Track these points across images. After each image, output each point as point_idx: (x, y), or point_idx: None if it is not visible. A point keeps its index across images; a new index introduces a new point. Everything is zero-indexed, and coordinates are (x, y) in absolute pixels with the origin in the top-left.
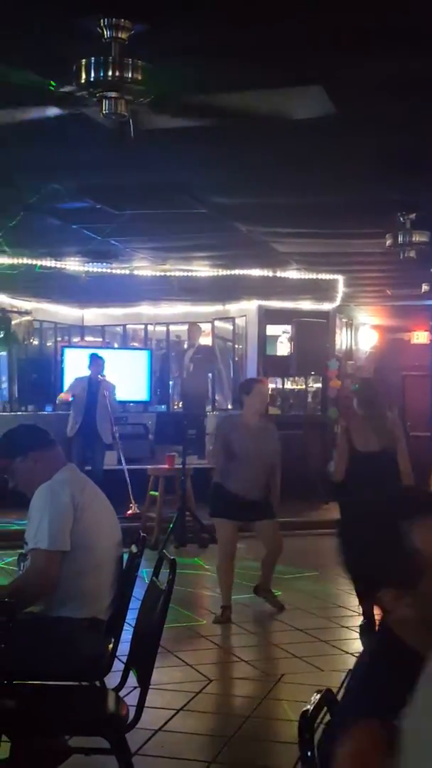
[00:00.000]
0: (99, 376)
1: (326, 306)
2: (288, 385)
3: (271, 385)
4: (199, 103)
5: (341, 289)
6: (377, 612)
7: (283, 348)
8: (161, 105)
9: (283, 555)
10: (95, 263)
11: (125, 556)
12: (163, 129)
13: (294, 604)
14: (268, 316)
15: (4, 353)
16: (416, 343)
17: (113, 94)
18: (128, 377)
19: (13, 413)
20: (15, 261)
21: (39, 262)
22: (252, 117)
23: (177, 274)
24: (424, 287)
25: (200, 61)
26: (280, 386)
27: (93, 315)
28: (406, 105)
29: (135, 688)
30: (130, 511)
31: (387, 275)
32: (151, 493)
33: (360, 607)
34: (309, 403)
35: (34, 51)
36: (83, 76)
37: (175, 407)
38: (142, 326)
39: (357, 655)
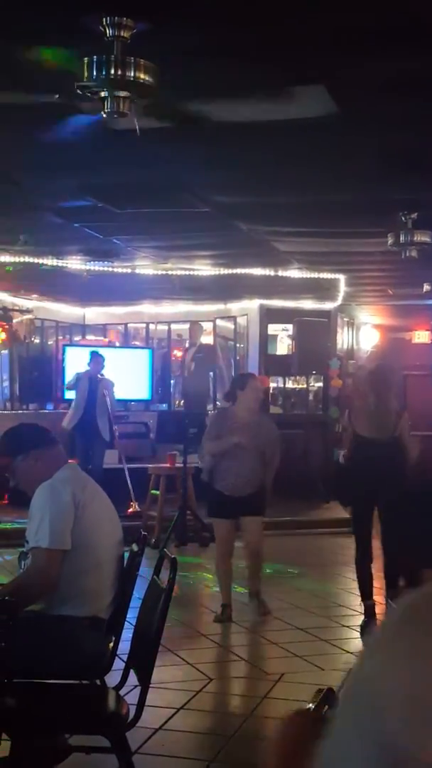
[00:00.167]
0: (98, 375)
1: (328, 305)
2: (289, 385)
3: (272, 384)
4: (202, 102)
5: (343, 288)
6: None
7: (285, 347)
8: (164, 104)
9: (284, 554)
10: (97, 262)
11: (126, 555)
12: (165, 128)
13: (294, 603)
14: (269, 315)
15: (5, 352)
16: (417, 343)
17: (115, 93)
18: (129, 376)
19: (14, 412)
20: (17, 259)
21: (41, 261)
22: (254, 116)
23: (178, 272)
24: (426, 287)
25: (202, 60)
26: (282, 385)
27: (94, 314)
28: (407, 104)
29: (135, 686)
30: (130, 510)
31: (388, 275)
32: (152, 491)
33: (361, 605)
34: (310, 402)
35: (37, 49)
36: (86, 74)
37: (177, 406)
38: (144, 325)
39: (357, 654)
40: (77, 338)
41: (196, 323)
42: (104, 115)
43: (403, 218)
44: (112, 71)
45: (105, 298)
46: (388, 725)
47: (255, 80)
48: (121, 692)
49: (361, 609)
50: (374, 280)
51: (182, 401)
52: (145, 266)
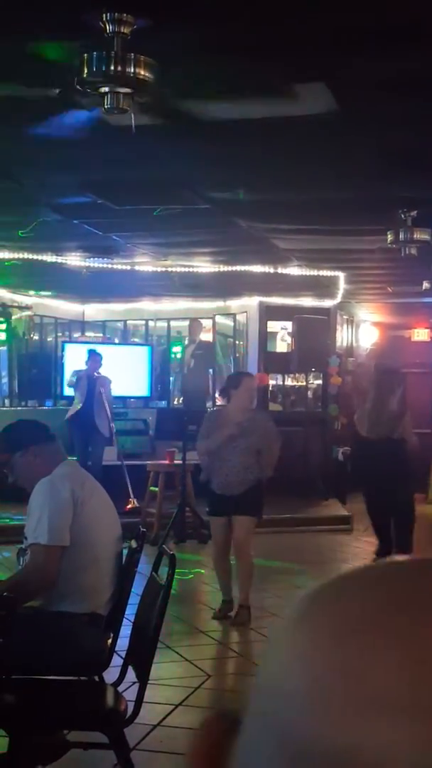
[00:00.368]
0: (95, 373)
1: (327, 303)
2: (288, 382)
3: (271, 382)
4: (201, 99)
5: (342, 285)
6: None
7: (284, 344)
8: (163, 100)
9: (282, 551)
10: (96, 258)
11: (125, 552)
12: (165, 124)
13: (293, 600)
14: (268, 313)
15: (4, 348)
16: (417, 341)
17: (115, 89)
18: (129, 373)
19: (13, 408)
20: (16, 256)
21: (40, 257)
22: (254, 113)
23: (178, 269)
24: (425, 284)
25: (202, 58)
26: (281, 383)
27: (94, 310)
28: (407, 103)
29: (134, 683)
30: (129, 506)
31: (388, 272)
32: (151, 488)
33: None
34: (309, 399)
35: (36, 46)
36: (85, 70)
37: (176, 403)
38: (143, 322)
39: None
40: (76, 335)
41: (195, 320)
42: (104, 112)
43: (402, 216)
44: (112, 67)
45: (104, 295)
46: (286, 716)
47: (255, 77)
48: (120, 689)
49: None
50: (374, 278)
51: (181, 398)
52: (144, 263)
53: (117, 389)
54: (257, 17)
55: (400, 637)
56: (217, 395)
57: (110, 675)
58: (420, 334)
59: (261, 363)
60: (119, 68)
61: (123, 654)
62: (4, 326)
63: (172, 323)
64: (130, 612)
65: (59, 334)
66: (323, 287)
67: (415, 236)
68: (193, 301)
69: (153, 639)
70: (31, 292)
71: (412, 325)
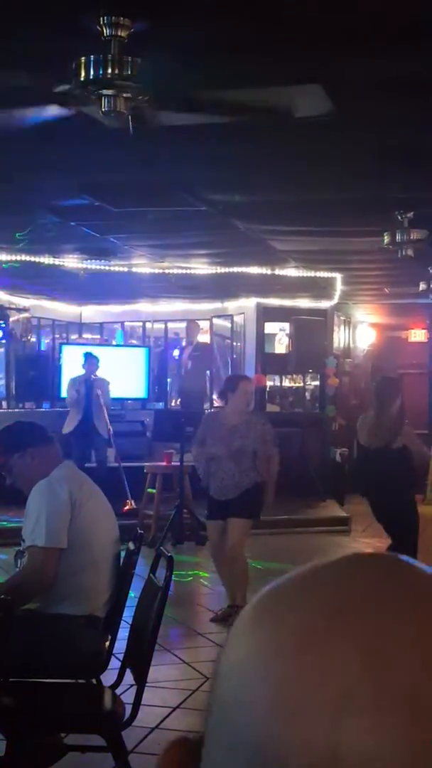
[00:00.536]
0: (92, 375)
1: (324, 304)
2: (286, 383)
3: (269, 383)
4: (198, 101)
5: (339, 287)
6: None
7: (282, 346)
8: (160, 103)
9: (280, 552)
10: (94, 260)
11: (122, 553)
12: (162, 127)
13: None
14: (266, 314)
15: (1, 350)
16: (414, 342)
17: (112, 92)
18: (126, 374)
19: (10, 410)
20: (14, 258)
21: (37, 259)
22: (251, 115)
23: (175, 271)
24: (422, 285)
25: (199, 60)
26: (278, 384)
27: (91, 312)
28: (404, 103)
29: (131, 685)
30: (126, 507)
31: (385, 273)
32: (149, 490)
33: None
34: (307, 400)
35: (34, 49)
36: (83, 73)
37: (173, 405)
38: (141, 323)
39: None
40: (74, 337)
41: (193, 322)
42: (101, 115)
43: (399, 217)
44: (109, 71)
45: (102, 296)
46: (250, 726)
47: (252, 79)
48: (117, 691)
49: None
50: (371, 279)
51: (179, 400)
52: (141, 265)
53: (114, 391)
54: (254, 19)
55: (360, 636)
56: (215, 397)
57: (108, 677)
58: (417, 335)
59: (258, 364)
60: (116, 71)
61: (121, 656)
62: (2, 328)
63: (170, 325)
64: (128, 614)
65: (57, 335)
66: (320, 288)
67: (411, 237)
68: (191, 303)
69: (151, 641)
70: (29, 294)
71: (408, 326)
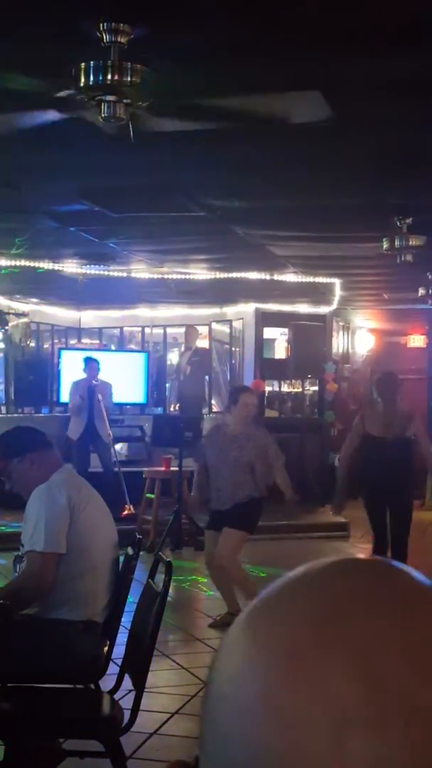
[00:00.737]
0: (94, 381)
1: (323, 309)
2: (285, 388)
3: (267, 388)
4: (198, 107)
5: (338, 292)
6: None
7: (280, 351)
8: (160, 108)
9: (279, 558)
10: (93, 265)
11: (121, 559)
12: (161, 132)
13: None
14: (265, 319)
15: (0, 355)
16: (412, 347)
17: (112, 98)
18: (125, 380)
19: (9, 415)
20: (13, 263)
21: (36, 264)
22: (250, 120)
23: (174, 276)
24: (421, 291)
25: (198, 65)
26: (277, 389)
27: (90, 317)
28: (404, 107)
29: (130, 691)
30: (125, 512)
31: (384, 279)
32: (148, 495)
33: None
34: (306, 406)
35: (33, 55)
36: (82, 79)
37: (172, 410)
38: (140, 328)
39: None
40: (73, 342)
41: (191, 327)
42: (101, 120)
43: (398, 223)
44: (109, 77)
45: (101, 301)
46: (244, 736)
47: (251, 85)
48: (116, 696)
49: None
50: (369, 285)
51: (177, 405)
52: (140, 270)
53: (113, 396)
54: (253, 23)
55: (352, 647)
56: (213, 402)
57: (106, 683)
58: (415, 341)
59: (257, 369)
60: (116, 77)
61: (119, 661)
62: (0, 333)
63: (169, 330)
64: (127, 619)
65: (56, 340)
66: (319, 294)
67: (410, 243)
68: (190, 308)
69: (149, 647)
70: (28, 299)
71: (407, 331)
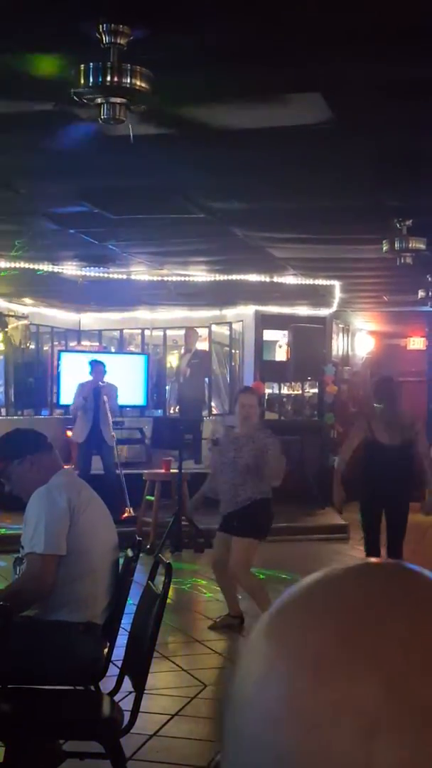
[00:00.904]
0: (100, 382)
1: (323, 311)
2: (285, 391)
3: (267, 391)
4: (197, 108)
5: (338, 294)
6: None
7: (280, 353)
8: (159, 110)
9: (279, 560)
10: (92, 268)
11: (121, 561)
12: (161, 134)
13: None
14: (265, 322)
15: (0, 357)
16: (412, 349)
17: (111, 100)
18: (125, 382)
19: (9, 417)
20: (13, 265)
21: (36, 267)
22: (249, 122)
23: (174, 278)
24: (420, 293)
25: (198, 66)
26: (277, 391)
27: (90, 319)
28: (403, 111)
29: (130, 692)
30: (125, 515)
31: (383, 281)
32: (147, 497)
33: None
34: (306, 408)
35: (33, 56)
36: (82, 81)
37: (172, 412)
38: (139, 331)
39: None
40: (72, 344)
41: (191, 329)
42: (100, 122)
43: (398, 225)
44: (109, 78)
45: (100, 303)
46: (269, 739)
47: (251, 86)
48: (116, 698)
49: None
50: (369, 287)
51: (177, 407)
52: (140, 272)
53: (118, 396)
54: (253, 24)
55: (377, 652)
56: (213, 404)
57: (106, 684)
58: (415, 343)
59: (257, 372)
60: (116, 79)
61: (119, 663)
62: (0, 335)
63: (168, 332)
64: (127, 621)
65: (55, 343)
66: (319, 296)
67: (410, 245)
68: (189, 310)
69: (149, 648)
70: (28, 301)
71: (407, 333)
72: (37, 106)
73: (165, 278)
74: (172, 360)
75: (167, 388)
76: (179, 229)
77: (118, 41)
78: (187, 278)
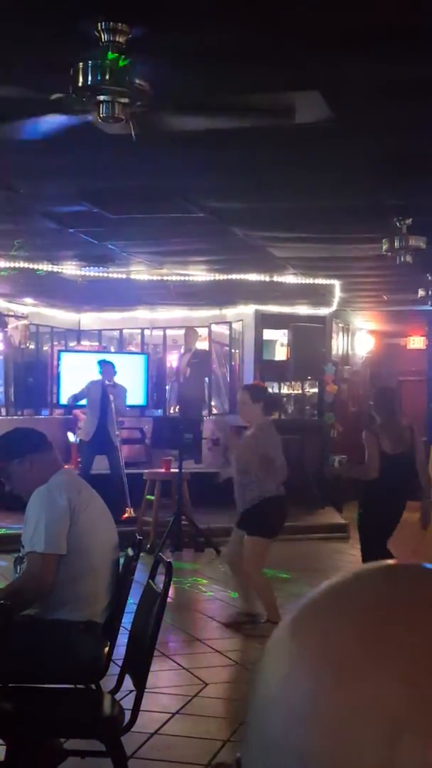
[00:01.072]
0: (107, 381)
1: (323, 311)
2: (285, 390)
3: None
4: (196, 107)
5: (338, 294)
6: None
7: (280, 353)
8: (158, 109)
9: (279, 559)
10: (92, 267)
11: (121, 560)
12: (160, 133)
13: (289, 608)
14: (265, 321)
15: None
16: (412, 348)
17: (110, 98)
18: (125, 382)
19: (8, 417)
20: (12, 264)
21: (36, 266)
22: (249, 121)
23: (174, 278)
24: (420, 292)
25: (197, 65)
26: (277, 391)
27: (90, 319)
28: (402, 110)
29: (131, 691)
30: (125, 515)
31: (383, 280)
32: (148, 497)
33: None
34: (306, 408)
35: (31, 55)
36: (80, 79)
37: (172, 412)
38: (139, 330)
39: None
40: (72, 344)
41: (191, 329)
42: (99, 121)
43: (397, 224)
44: (107, 76)
45: (100, 303)
46: (296, 741)
47: (250, 85)
48: (117, 697)
49: None
50: (369, 286)
51: (177, 407)
52: (140, 272)
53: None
54: (253, 22)
55: (399, 654)
56: (213, 404)
57: (107, 683)
58: (415, 342)
59: (257, 371)
60: (114, 77)
61: (120, 662)
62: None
63: (168, 332)
64: (127, 620)
65: (55, 342)
66: (319, 295)
67: (410, 244)
68: (189, 310)
69: (150, 647)
70: (28, 301)
71: (407, 333)
72: (36, 104)
73: (165, 278)
74: (173, 359)
75: (167, 387)
76: (179, 229)
77: (117, 39)
78: (186, 278)
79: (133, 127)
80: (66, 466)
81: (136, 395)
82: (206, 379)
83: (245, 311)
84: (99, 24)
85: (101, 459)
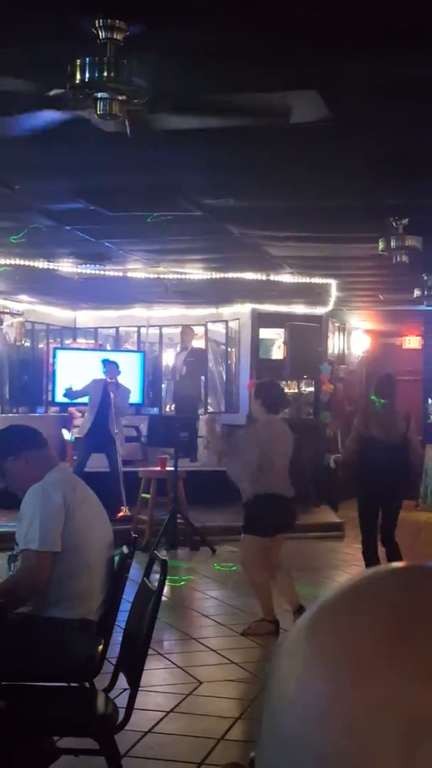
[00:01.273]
0: (109, 379)
1: (319, 310)
2: None
3: None
4: (194, 106)
5: (334, 293)
6: None
7: (277, 351)
8: (156, 107)
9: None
10: (88, 265)
11: (116, 558)
12: (157, 131)
13: (285, 606)
14: (261, 320)
15: None
16: (408, 348)
17: (107, 95)
18: (121, 380)
19: (4, 415)
20: (8, 261)
21: (32, 263)
22: (247, 120)
23: (170, 276)
24: (416, 292)
25: (195, 63)
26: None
27: (86, 317)
28: (402, 110)
29: (125, 689)
30: (120, 514)
31: (379, 280)
32: (143, 495)
33: None
34: (302, 407)
35: (29, 52)
36: (78, 76)
37: (168, 410)
38: (135, 329)
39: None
40: (68, 341)
41: (187, 327)
42: (96, 117)
43: (394, 223)
44: (105, 73)
45: (96, 301)
46: (313, 743)
47: (248, 84)
48: (111, 695)
49: None
50: (365, 286)
51: (173, 405)
52: (136, 270)
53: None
54: (252, 22)
55: (418, 654)
56: (209, 402)
57: (101, 681)
58: (411, 342)
59: (253, 370)
60: (112, 74)
61: (114, 660)
62: None
63: (165, 330)
64: (121, 618)
65: (51, 340)
66: (315, 294)
67: (406, 243)
68: (186, 308)
69: (144, 645)
70: (23, 298)
71: (403, 332)
72: (33, 102)
73: (161, 276)
74: (169, 358)
75: (163, 386)
76: (176, 227)
77: (115, 37)
78: (183, 276)
79: (129, 125)
80: (61, 464)
81: (132, 393)
82: (202, 377)
83: (242, 310)
84: (97, 21)
85: (100, 457)
